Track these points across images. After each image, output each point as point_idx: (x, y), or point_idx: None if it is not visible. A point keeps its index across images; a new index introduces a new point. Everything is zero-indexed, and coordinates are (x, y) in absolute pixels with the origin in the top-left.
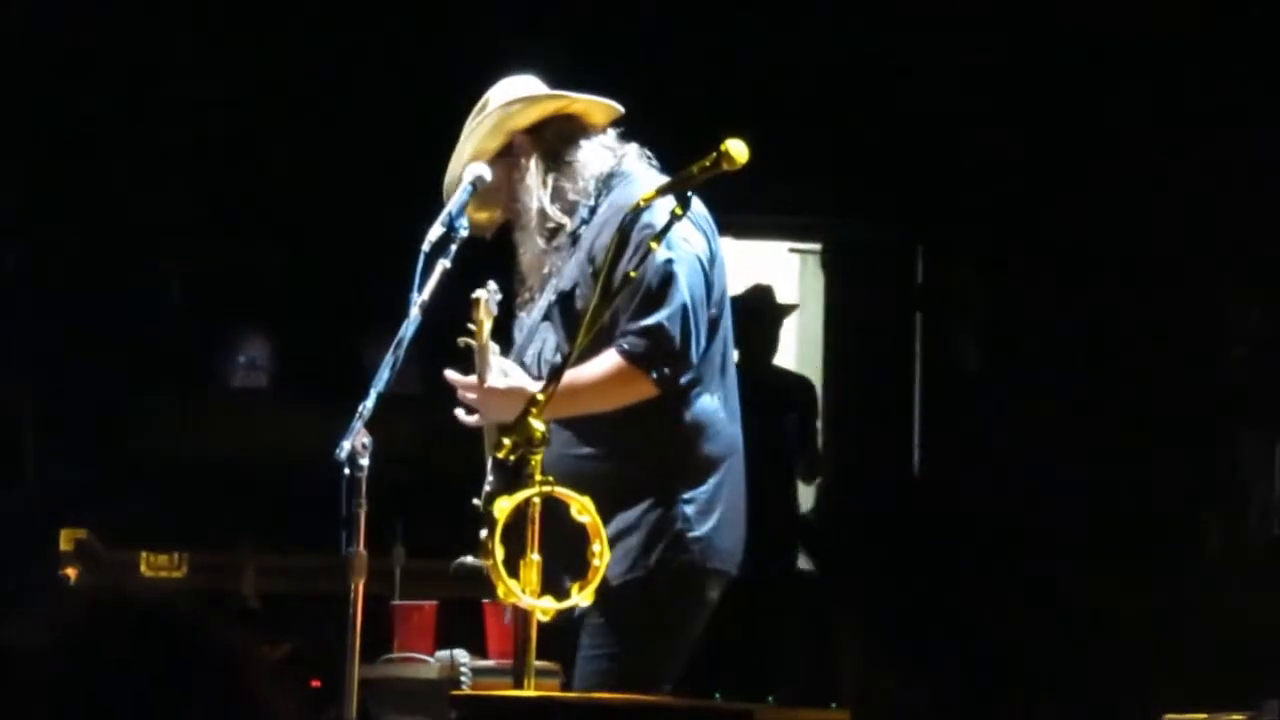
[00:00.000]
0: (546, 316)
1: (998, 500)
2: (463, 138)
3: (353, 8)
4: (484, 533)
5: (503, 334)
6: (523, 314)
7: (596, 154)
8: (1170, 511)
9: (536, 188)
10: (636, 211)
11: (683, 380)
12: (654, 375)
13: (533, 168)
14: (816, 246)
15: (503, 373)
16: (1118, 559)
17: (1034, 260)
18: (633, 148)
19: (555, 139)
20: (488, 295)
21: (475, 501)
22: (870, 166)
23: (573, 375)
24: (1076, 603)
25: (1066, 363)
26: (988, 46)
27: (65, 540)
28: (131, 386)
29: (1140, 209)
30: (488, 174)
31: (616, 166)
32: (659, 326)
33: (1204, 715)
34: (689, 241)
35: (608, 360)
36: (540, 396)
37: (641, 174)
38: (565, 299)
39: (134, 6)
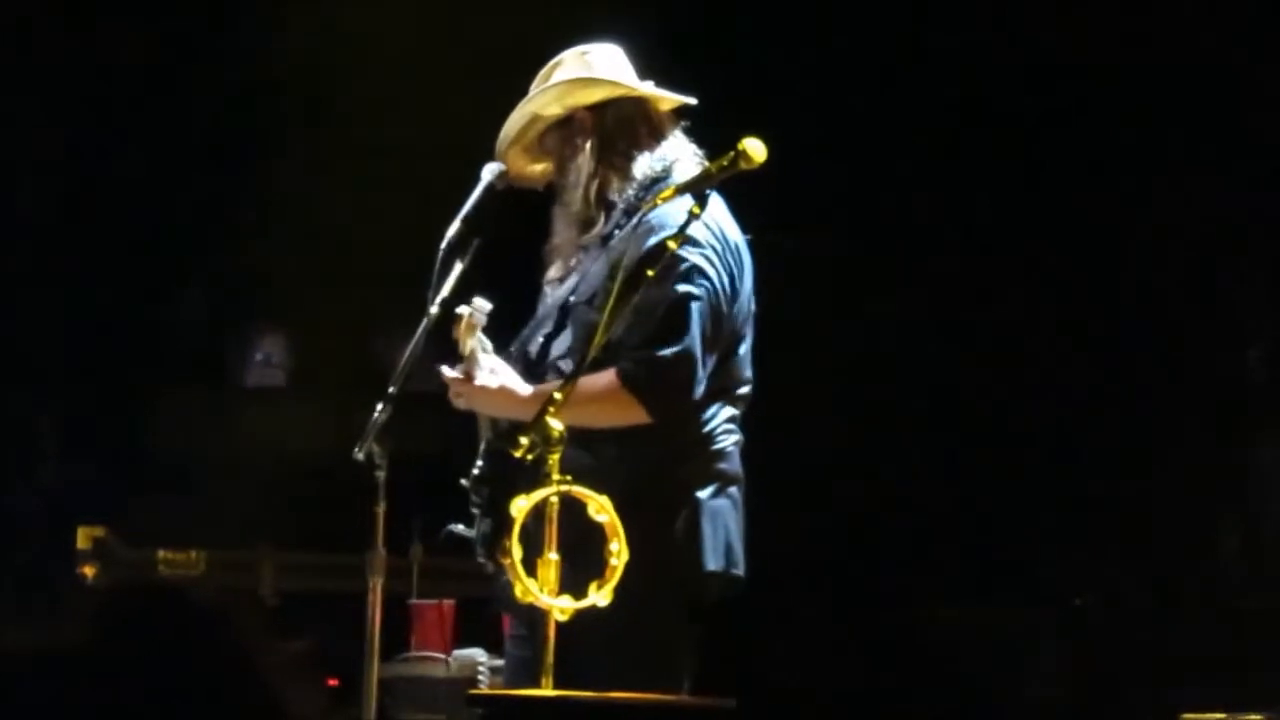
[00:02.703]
0: (561, 313)
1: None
2: (528, 95)
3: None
4: (475, 510)
5: (529, 309)
6: (547, 288)
7: (650, 158)
8: (1187, 512)
9: (585, 174)
10: (660, 217)
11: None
12: (650, 405)
13: (586, 150)
14: None
15: (491, 370)
16: (1132, 559)
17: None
18: (688, 151)
19: (615, 126)
20: (470, 311)
21: (463, 481)
22: None
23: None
24: (1093, 601)
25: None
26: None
27: (83, 538)
28: (149, 384)
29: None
30: (508, 171)
31: (667, 169)
32: (663, 360)
33: (1222, 715)
34: (710, 278)
35: (605, 380)
36: (523, 394)
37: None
38: (583, 308)
39: None
